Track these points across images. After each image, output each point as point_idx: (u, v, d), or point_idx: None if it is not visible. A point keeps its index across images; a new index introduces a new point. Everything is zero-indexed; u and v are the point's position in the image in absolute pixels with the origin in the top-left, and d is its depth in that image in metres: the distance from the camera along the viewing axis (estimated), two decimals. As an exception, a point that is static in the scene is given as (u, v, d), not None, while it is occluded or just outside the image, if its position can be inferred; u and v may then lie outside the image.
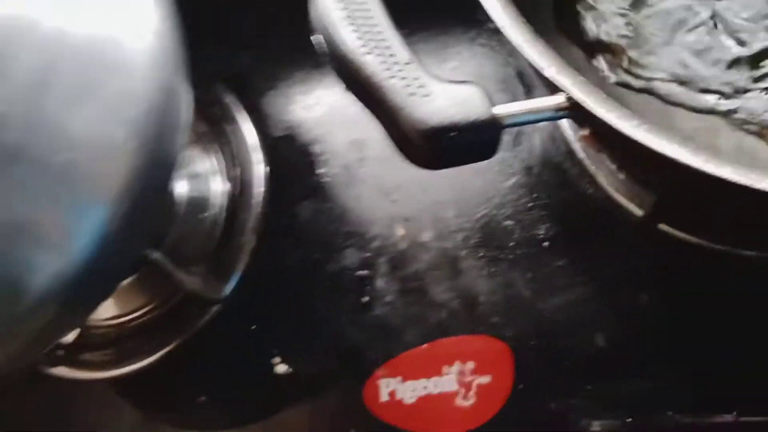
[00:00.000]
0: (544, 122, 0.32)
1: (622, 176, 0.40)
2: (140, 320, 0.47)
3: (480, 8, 0.26)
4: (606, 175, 0.40)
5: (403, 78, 0.23)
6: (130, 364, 0.45)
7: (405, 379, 0.41)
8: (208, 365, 0.44)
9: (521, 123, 0.24)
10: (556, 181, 0.42)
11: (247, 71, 0.51)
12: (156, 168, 0.33)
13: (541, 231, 0.42)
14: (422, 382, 0.41)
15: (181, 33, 0.35)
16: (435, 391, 0.40)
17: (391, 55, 0.24)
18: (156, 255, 0.43)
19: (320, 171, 0.47)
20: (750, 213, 0.34)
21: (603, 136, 0.24)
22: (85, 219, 0.31)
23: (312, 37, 0.26)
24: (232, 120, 0.50)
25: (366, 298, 0.43)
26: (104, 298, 0.43)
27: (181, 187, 0.49)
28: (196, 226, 0.48)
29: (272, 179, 0.48)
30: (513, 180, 0.43)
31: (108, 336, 0.47)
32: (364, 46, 0.24)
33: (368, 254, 0.44)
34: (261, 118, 0.49)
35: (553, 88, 0.24)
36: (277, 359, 0.43)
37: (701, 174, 0.22)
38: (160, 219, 0.45)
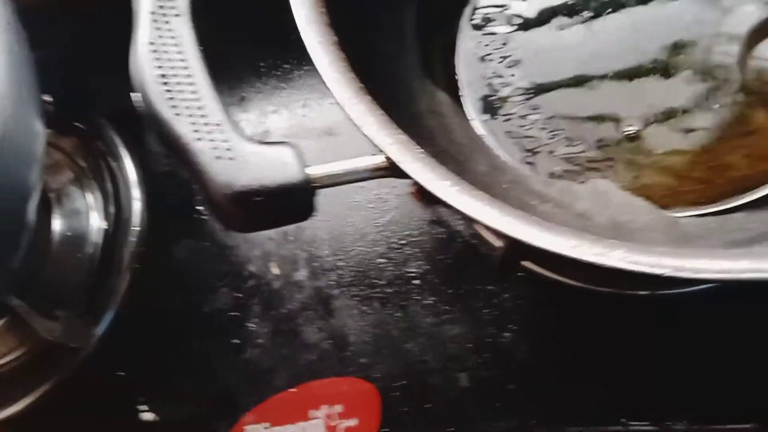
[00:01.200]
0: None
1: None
2: (10, 366, 0.45)
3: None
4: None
5: (212, 140, 0.23)
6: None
7: (273, 424, 0.40)
8: (76, 413, 0.42)
9: (339, 183, 0.24)
10: (428, 219, 0.43)
11: (131, 107, 0.50)
12: (5, 207, 0.32)
13: (413, 268, 0.42)
14: (289, 428, 0.40)
15: (32, 72, 0.34)
16: (303, 435, 0.40)
17: (203, 116, 0.24)
18: (15, 302, 0.41)
19: (199, 208, 0.46)
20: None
21: (427, 195, 0.25)
22: None
23: (132, 95, 0.25)
24: (114, 156, 0.49)
25: (237, 340, 0.42)
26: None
27: (55, 225, 0.47)
28: (71, 265, 0.47)
29: (151, 217, 0.47)
30: (388, 217, 0.44)
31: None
32: (175, 106, 0.24)
33: (242, 294, 0.43)
34: (143, 154, 0.48)
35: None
36: (143, 407, 0.42)
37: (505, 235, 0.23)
38: (20, 261, 0.43)
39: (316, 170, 0.24)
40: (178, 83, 0.24)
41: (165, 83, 0.24)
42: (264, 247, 0.44)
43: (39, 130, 0.35)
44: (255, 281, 0.44)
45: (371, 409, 0.40)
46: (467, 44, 0.38)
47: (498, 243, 0.41)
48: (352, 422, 0.40)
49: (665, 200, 0.33)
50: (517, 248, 0.36)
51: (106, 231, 0.47)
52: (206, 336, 0.43)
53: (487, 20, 0.38)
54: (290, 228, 0.44)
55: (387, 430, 0.39)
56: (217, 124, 0.23)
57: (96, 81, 0.50)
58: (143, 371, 0.43)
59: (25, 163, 0.34)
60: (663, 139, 0.34)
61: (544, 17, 0.38)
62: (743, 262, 0.20)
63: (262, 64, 0.48)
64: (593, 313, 0.40)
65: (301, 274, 0.43)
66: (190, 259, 0.45)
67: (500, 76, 0.37)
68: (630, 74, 0.36)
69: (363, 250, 0.43)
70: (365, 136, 0.25)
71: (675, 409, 0.37)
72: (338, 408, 0.40)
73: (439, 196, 0.24)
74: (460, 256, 0.42)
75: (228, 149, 0.23)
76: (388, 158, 0.24)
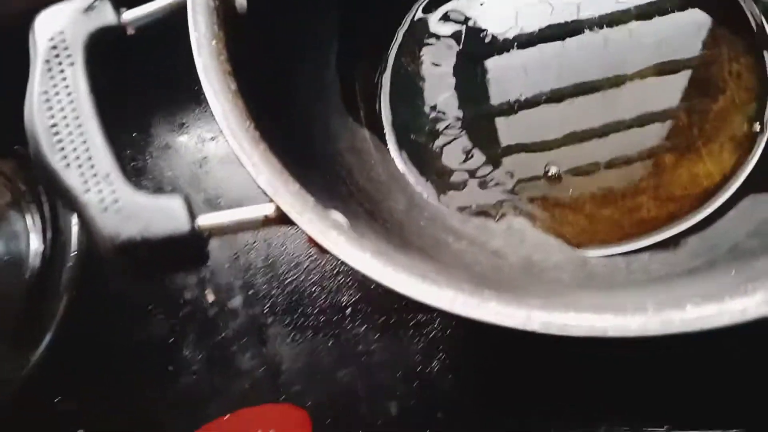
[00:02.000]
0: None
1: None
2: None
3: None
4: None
5: (99, 191, 0.23)
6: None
7: (206, 453, 0.40)
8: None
9: (230, 233, 0.25)
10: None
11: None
12: None
13: (345, 297, 0.42)
14: (223, 455, 0.40)
15: None
16: (235, 462, 0.40)
17: (92, 167, 0.24)
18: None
19: (138, 233, 0.46)
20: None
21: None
22: None
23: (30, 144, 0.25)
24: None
25: (172, 368, 0.42)
26: None
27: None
28: (6, 289, 0.46)
29: (88, 241, 0.47)
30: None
31: None
32: (65, 157, 0.24)
33: (177, 321, 0.43)
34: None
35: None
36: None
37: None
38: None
39: (205, 220, 0.24)
40: (70, 133, 0.24)
41: (56, 133, 0.24)
42: (200, 274, 0.44)
43: None
44: (190, 308, 0.44)
45: (301, 437, 0.40)
46: (392, 80, 0.38)
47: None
48: (282, 450, 0.40)
49: (578, 239, 0.33)
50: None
51: (44, 254, 0.47)
52: (141, 363, 0.43)
53: (413, 56, 0.39)
54: (226, 255, 0.45)
55: (317, 457, 0.39)
56: (106, 175, 0.24)
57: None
58: (79, 399, 0.43)
59: None
60: (579, 180, 0.34)
61: (476, 55, 0.39)
62: (606, 316, 0.20)
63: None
64: (518, 341, 0.40)
65: (236, 302, 0.43)
66: (125, 286, 0.45)
67: (425, 112, 0.37)
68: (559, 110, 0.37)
69: (297, 278, 0.43)
70: (258, 186, 0.25)
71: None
72: (269, 436, 0.40)
73: (325, 247, 0.24)
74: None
75: (115, 201, 0.23)
76: (277, 208, 0.24)
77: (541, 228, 0.33)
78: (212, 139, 0.47)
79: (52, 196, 0.24)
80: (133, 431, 0.41)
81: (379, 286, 0.41)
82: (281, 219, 0.24)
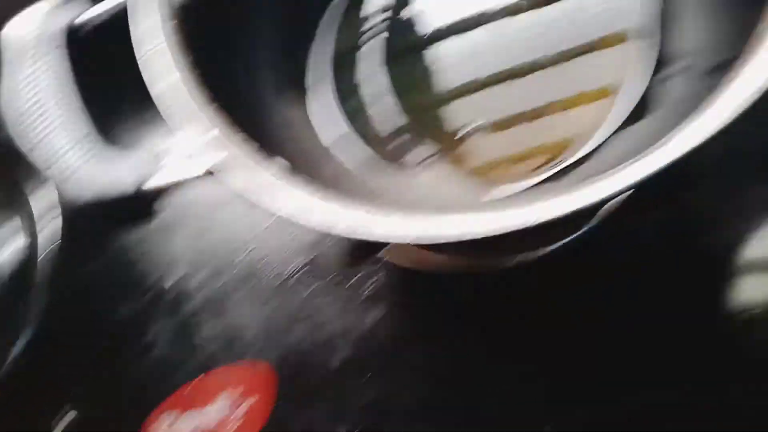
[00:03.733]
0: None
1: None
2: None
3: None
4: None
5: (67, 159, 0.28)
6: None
7: (182, 410, 0.45)
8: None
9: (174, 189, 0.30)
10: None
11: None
12: None
13: (291, 265, 0.47)
14: (198, 412, 0.45)
15: None
16: (210, 417, 0.45)
17: (70, 136, 0.29)
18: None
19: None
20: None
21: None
22: None
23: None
24: (33, 178, 0.54)
25: (147, 339, 0.47)
26: None
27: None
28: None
29: (64, 236, 0.51)
30: (271, 219, 0.49)
31: None
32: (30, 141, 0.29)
33: (148, 300, 0.48)
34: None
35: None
36: (69, 410, 0.46)
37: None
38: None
39: (151, 183, 0.29)
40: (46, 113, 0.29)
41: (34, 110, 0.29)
42: (169, 256, 0.49)
43: None
44: (159, 288, 0.49)
45: (268, 387, 0.45)
46: (320, 51, 0.44)
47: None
48: (252, 399, 0.45)
49: (485, 182, 0.39)
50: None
51: (24, 250, 0.51)
52: (118, 341, 0.48)
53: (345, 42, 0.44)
54: (189, 235, 0.50)
55: (282, 401, 0.44)
56: (77, 143, 0.29)
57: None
58: (64, 380, 0.47)
59: None
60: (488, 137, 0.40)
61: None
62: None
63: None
64: (452, 283, 0.45)
65: (200, 277, 0.48)
66: (99, 274, 0.50)
67: (349, 83, 0.43)
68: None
69: (249, 253, 0.48)
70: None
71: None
72: (240, 389, 0.45)
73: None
74: (335, 246, 0.47)
75: (75, 170, 0.28)
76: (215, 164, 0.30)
77: (453, 177, 0.39)
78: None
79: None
80: (117, 399, 0.46)
81: (327, 246, 0.47)
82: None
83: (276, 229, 0.48)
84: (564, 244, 0.44)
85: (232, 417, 0.45)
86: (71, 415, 0.46)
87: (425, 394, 0.43)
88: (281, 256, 0.48)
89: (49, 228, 0.52)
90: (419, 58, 0.43)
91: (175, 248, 0.49)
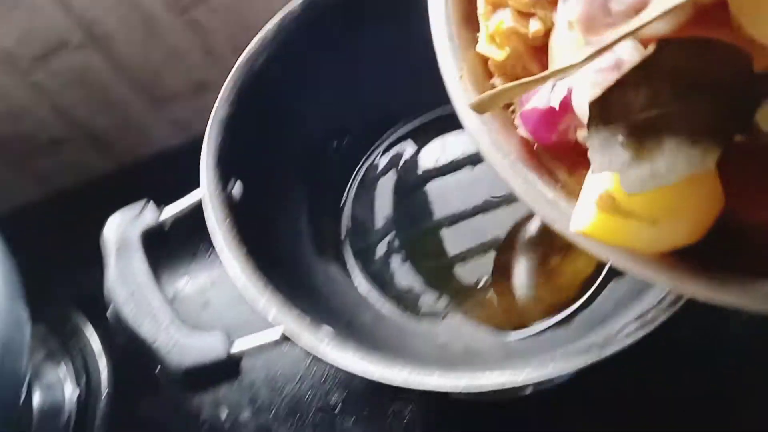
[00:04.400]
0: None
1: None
2: None
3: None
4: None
5: (163, 338, 0.35)
6: None
7: None
8: None
9: (255, 353, 0.36)
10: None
11: (93, 290, 0.61)
12: (3, 388, 0.41)
13: (334, 397, 0.53)
14: None
15: (16, 270, 0.45)
16: None
17: (157, 319, 0.35)
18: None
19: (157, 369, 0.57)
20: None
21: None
22: None
23: (107, 312, 0.37)
24: (81, 334, 0.59)
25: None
26: None
27: (36, 397, 0.56)
28: (51, 429, 0.55)
29: (116, 382, 0.57)
30: (311, 358, 0.55)
31: None
32: (139, 316, 0.35)
33: (201, 435, 0.53)
34: (106, 330, 0.59)
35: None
36: None
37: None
38: (17, 428, 0.52)
39: (237, 347, 0.35)
40: (141, 297, 0.36)
41: (132, 298, 0.36)
42: (213, 396, 0.54)
43: (26, 319, 0.45)
44: (209, 425, 0.53)
45: None
46: (350, 222, 0.51)
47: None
48: None
49: (501, 326, 0.45)
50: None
51: (79, 398, 0.56)
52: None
53: (363, 203, 0.52)
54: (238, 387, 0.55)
55: None
56: (167, 325, 0.35)
57: (57, 275, 0.61)
58: None
59: (18, 351, 0.44)
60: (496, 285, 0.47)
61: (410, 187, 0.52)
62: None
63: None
64: (478, 417, 0.51)
65: (246, 414, 0.53)
66: (151, 414, 0.55)
67: (375, 246, 0.50)
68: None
69: (293, 388, 0.54)
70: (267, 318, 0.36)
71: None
72: None
73: (320, 356, 0.35)
74: (368, 382, 0.53)
75: (174, 344, 0.34)
76: (284, 334, 0.36)
77: (474, 321, 0.45)
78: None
79: (130, 344, 0.35)
80: None
81: (360, 383, 0.52)
82: (285, 337, 0.36)
83: (320, 362, 0.54)
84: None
85: None
86: None
87: None
88: (322, 393, 0.53)
89: (103, 377, 0.57)
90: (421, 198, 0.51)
91: (226, 386, 0.54)
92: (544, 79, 0.24)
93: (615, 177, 0.25)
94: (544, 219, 0.29)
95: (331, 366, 0.53)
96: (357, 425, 0.52)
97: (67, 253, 0.62)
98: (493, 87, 0.29)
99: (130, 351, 0.36)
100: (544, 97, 0.27)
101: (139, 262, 0.37)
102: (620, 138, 0.23)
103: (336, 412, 0.52)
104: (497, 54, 0.29)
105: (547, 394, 0.50)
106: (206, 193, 0.40)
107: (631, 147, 0.23)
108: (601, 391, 0.49)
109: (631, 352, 0.35)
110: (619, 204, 0.27)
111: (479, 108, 0.26)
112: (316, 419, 0.52)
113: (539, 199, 0.27)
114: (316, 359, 0.54)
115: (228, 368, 0.35)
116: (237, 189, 0.42)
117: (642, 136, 0.23)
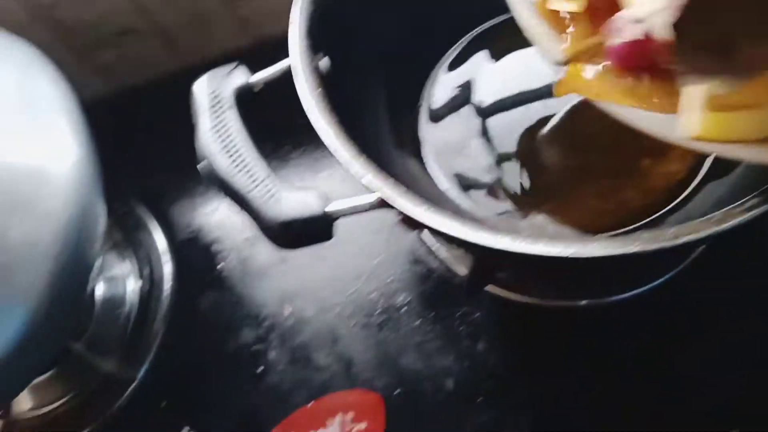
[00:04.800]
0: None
1: (459, 251, 0.52)
2: (59, 410, 0.53)
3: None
4: (447, 252, 0.52)
5: (260, 189, 0.34)
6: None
7: (296, 433, 0.49)
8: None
9: (349, 214, 0.35)
10: (409, 259, 0.53)
11: (157, 186, 0.60)
12: (75, 272, 0.41)
13: (399, 299, 0.52)
14: (311, 434, 0.48)
15: (97, 158, 0.44)
16: (323, 440, 0.48)
17: (252, 175, 0.34)
18: (76, 346, 0.50)
19: (219, 265, 0.56)
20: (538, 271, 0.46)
21: (410, 219, 0.35)
22: (8, 319, 0.38)
23: (198, 165, 0.36)
24: (144, 227, 0.59)
25: (260, 369, 0.51)
26: (26, 384, 0.49)
27: (99, 288, 0.56)
28: (112, 320, 0.55)
29: (178, 275, 0.56)
30: (377, 260, 0.54)
31: (29, 426, 0.52)
32: (236, 166, 0.34)
33: (261, 332, 0.52)
34: (169, 224, 0.59)
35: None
36: (185, 428, 0.50)
37: (466, 241, 0.33)
38: (81, 316, 0.52)
39: (331, 207, 0.34)
40: (232, 153, 0.35)
41: (226, 152, 0.35)
42: (277, 293, 0.54)
43: (103, 211, 0.45)
44: (271, 320, 0.53)
45: (377, 414, 0.48)
46: (430, 121, 0.50)
47: (464, 271, 0.51)
48: (362, 425, 0.48)
49: (586, 228, 0.44)
50: (479, 269, 0.46)
51: (141, 289, 0.56)
52: (233, 368, 0.52)
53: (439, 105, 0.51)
54: (297, 275, 0.54)
55: (391, 428, 0.47)
56: (265, 178, 0.34)
57: (123, 168, 0.61)
58: (182, 401, 0.51)
59: (92, 238, 0.43)
60: (582, 185, 0.45)
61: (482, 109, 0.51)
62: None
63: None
64: (543, 321, 0.50)
65: (309, 311, 0.53)
66: (214, 308, 0.54)
67: (453, 144, 0.49)
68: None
69: (358, 288, 0.53)
70: (363, 184, 0.35)
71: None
72: (350, 415, 0.49)
73: (419, 219, 0.34)
74: (436, 287, 0.52)
75: (272, 195, 0.33)
76: (380, 197, 0.35)
77: (558, 222, 0.44)
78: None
79: (226, 194, 0.34)
80: (231, 422, 0.49)
81: (427, 287, 0.51)
82: (383, 203, 0.35)
83: (385, 264, 0.53)
84: (652, 287, 0.49)
85: (343, 441, 0.48)
86: (190, 436, 0.50)
87: (532, 422, 0.47)
88: (388, 294, 0.52)
89: (167, 267, 0.57)
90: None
91: (290, 282, 0.54)
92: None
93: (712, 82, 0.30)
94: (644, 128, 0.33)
95: (396, 269, 0.53)
96: (422, 327, 0.51)
97: (131, 149, 0.62)
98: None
99: (227, 199, 0.35)
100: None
101: (232, 118, 0.36)
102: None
103: (401, 312, 0.52)
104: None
105: (606, 307, 0.49)
106: (297, 61, 0.38)
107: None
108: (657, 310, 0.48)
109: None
110: (725, 100, 0.33)
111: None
112: (380, 319, 0.52)
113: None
114: (382, 259, 0.54)
115: (323, 226, 0.34)
116: (324, 64, 0.40)
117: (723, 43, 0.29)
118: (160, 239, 0.58)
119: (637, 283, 0.49)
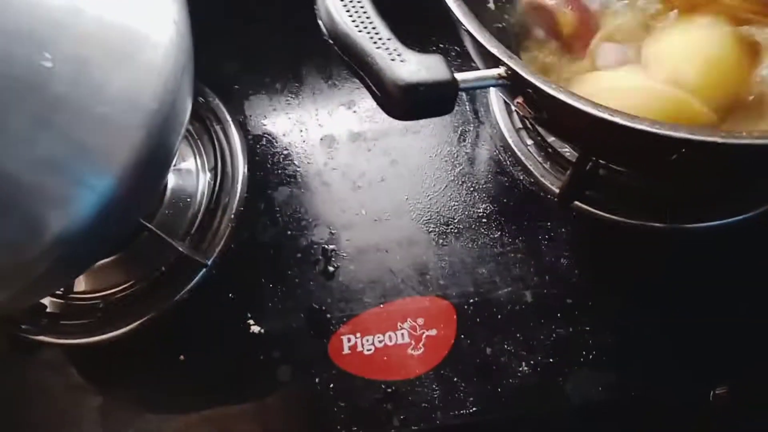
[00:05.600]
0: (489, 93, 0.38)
1: (547, 165, 0.50)
2: (122, 294, 0.52)
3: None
4: (534, 164, 0.50)
5: (386, 48, 0.32)
6: (112, 330, 0.50)
7: (364, 334, 0.48)
8: (188, 330, 0.49)
9: (473, 87, 0.33)
10: (493, 170, 0.52)
11: (232, 78, 0.59)
12: (167, 135, 0.40)
13: (480, 209, 0.50)
14: (379, 336, 0.47)
15: (191, 54, 0.43)
16: (390, 343, 0.47)
17: (377, 33, 0.32)
18: (151, 226, 0.49)
19: (294, 162, 0.55)
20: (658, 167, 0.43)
21: (532, 100, 0.33)
22: (98, 182, 0.37)
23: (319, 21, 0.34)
24: (218, 120, 0.57)
25: (332, 267, 0.50)
26: (100, 258, 0.49)
27: (170, 177, 0.55)
28: (181, 209, 0.54)
29: (252, 169, 0.55)
30: (458, 169, 0.52)
31: (91, 307, 0.52)
32: (357, 26, 0.32)
33: (335, 230, 0.51)
34: (243, 118, 0.57)
35: (494, 64, 0.33)
36: (251, 321, 0.49)
37: (603, 120, 0.31)
38: (156, 196, 0.51)
39: (459, 75, 0.32)
40: (356, 12, 0.33)
41: (347, 12, 0.33)
42: (352, 194, 0.52)
43: (189, 104, 0.43)
44: (345, 220, 0.51)
45: (448, 322, 0.47)
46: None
47: (548, 185, 0.49)
48: (432, 332, 0.47)
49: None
50: (581, 173, 0.44)
51: (214, 181, 0.55)
52: (304, 265, 0.50)
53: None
54: (374, 177, 0.53)
55: (463, 336, 0.46)
56: (388, 38, 0.32)
57: (199, 57, 0.59)
58: (249, 294, 0.50)
59: (183, 105, 0.42)
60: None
61: None
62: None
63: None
64: (628, 241, 0.48)
65: (385, 215, 0.51)
66: (288, 203, 0.53)
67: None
68: None
69: (437, 195, 0.51)
70: (491, 54, 0.33)
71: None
72: (420, 321, 0.47)
73: (550, 94, 0.32)
74: (520, 200, 0.50)
75: (398, 54, 0.32)
76: (507, 70, 0.33)
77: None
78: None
79: (346, 55, 0.32)
80: (298, 318, 0.48)
81: (510, 198, 0.49)
82: (511, 76, 0.33)
83: (468, 173, 0.51)
84: (741, 220, 0.47)
85: (412, 346, 0.47)
86: (256, 328, 0.49)
87: (608, 339, 0.45)
88: (469, 203, 0.51)
89: (240, 161, 0.55)
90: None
91: (366, 185, 0.52)
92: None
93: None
94: None
95: (479, 180, 0.52)
96: (502, 239, 0.50)
97: (208, 43, 0.59)
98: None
99: (345, 61, 0.33)
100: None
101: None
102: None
103: (481, 223, 0.50)
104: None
105: (693, 233, 0.47)
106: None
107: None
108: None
109: None
110: None
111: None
112: (459, 228, 0.50)
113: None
114: (463, 169, 0.52)
115: (448, 95, 0.32)
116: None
117: None
118: (234, 133, 0.57)
119: (727, 212, 0.47)
